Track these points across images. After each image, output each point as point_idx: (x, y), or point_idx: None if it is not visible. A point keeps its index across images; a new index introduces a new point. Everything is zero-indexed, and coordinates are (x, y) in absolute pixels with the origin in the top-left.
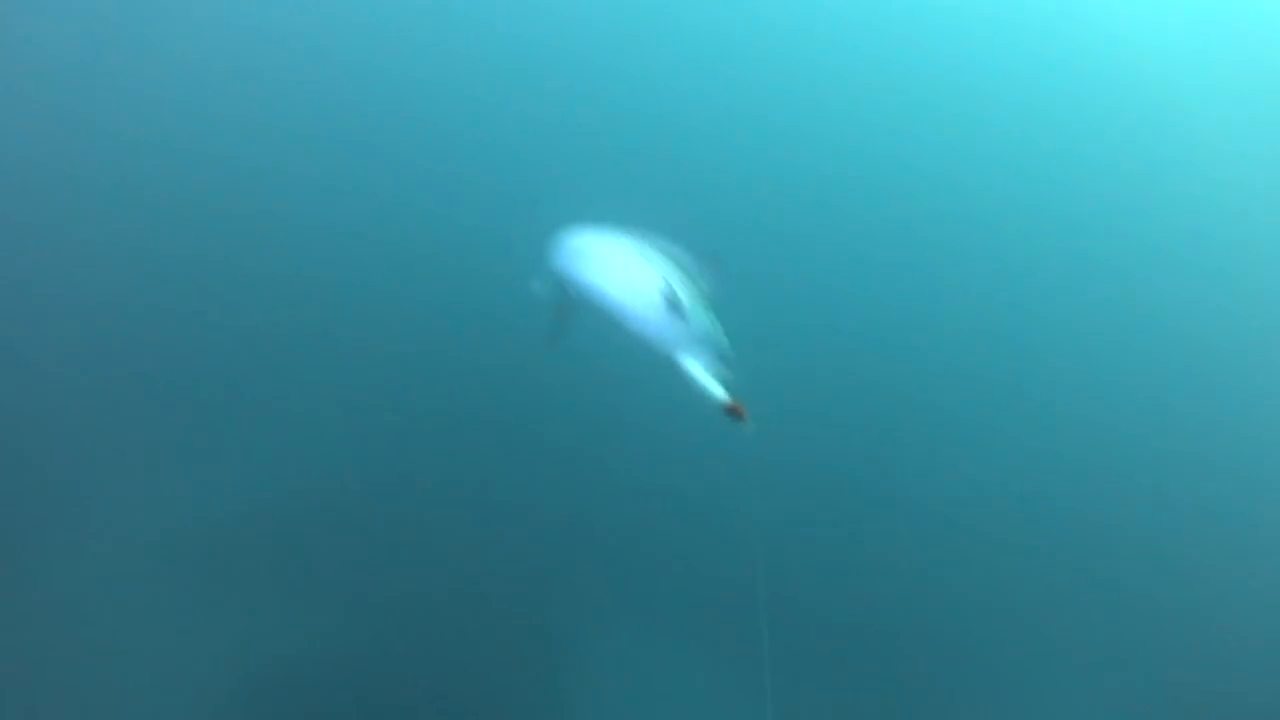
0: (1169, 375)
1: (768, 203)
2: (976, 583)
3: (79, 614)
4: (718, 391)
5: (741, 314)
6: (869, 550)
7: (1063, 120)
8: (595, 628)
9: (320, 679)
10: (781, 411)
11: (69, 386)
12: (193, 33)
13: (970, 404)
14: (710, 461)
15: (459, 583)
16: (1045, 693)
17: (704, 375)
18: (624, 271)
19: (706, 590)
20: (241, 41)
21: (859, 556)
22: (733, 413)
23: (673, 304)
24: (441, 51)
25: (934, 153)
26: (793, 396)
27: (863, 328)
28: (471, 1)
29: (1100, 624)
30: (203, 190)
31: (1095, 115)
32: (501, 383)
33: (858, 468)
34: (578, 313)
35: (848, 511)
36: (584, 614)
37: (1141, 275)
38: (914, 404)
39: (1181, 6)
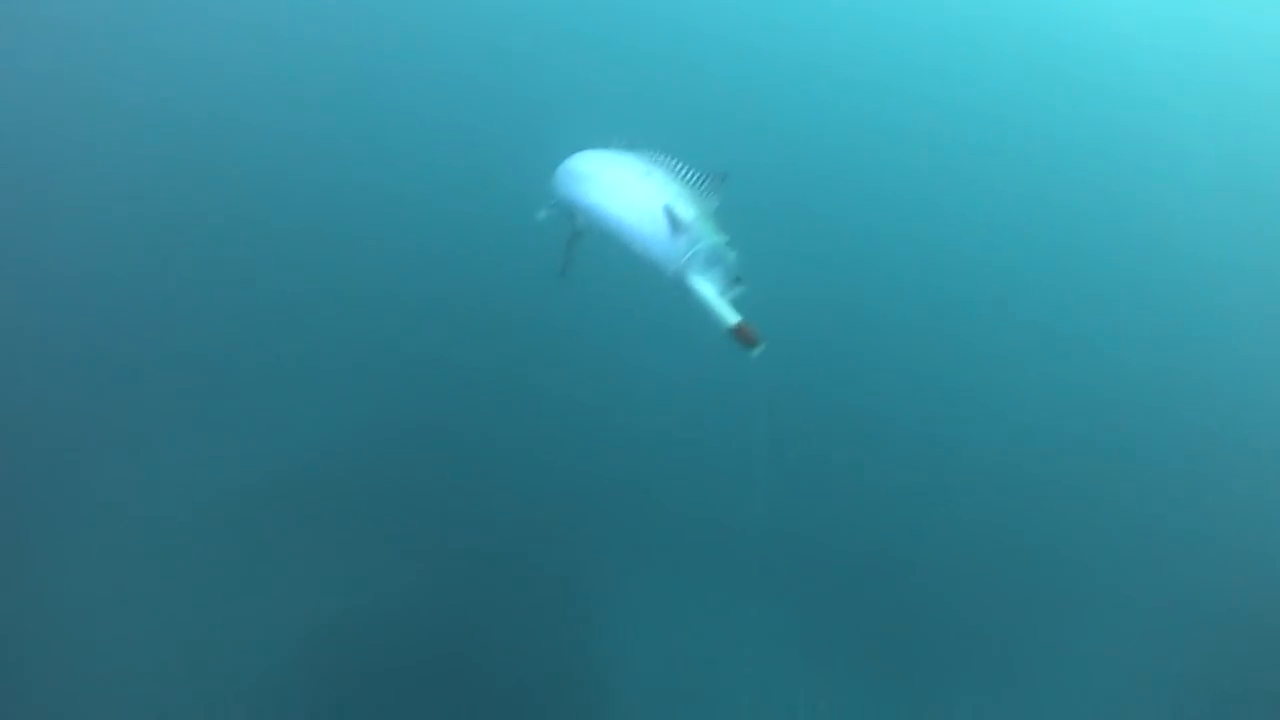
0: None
1: (775, 117)
2: (984, 507)
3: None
4: (727, 313)
5: (753, 234)
6: (877, 476)
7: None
8: (618, 571)
9: (358, 636)
10: (791, 336)
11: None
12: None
13: (985, 330)
14: (720, 393)
15: (478, 537)
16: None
17: (713, 296)
18: (625, 191)
19: (722, 526)
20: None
21: (867, 483)
22: (741, 335)
23: (675, 221)
24: None
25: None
26: (803, 324)
27: (876, 254)
28: None
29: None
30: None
31: (1095, 107)
32: (510, 326)
33: (866, 391)
34: (584, 239)
35: (855, 438)
36: (605, 558)
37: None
38: (925, 332)
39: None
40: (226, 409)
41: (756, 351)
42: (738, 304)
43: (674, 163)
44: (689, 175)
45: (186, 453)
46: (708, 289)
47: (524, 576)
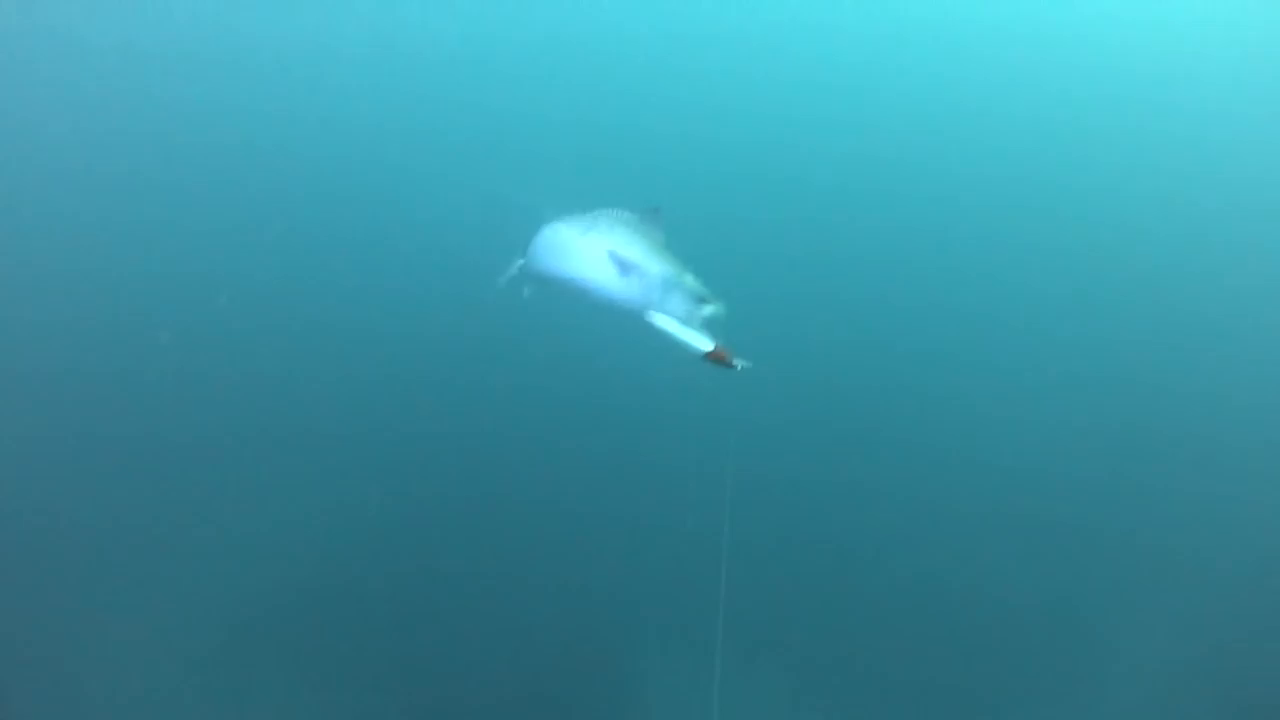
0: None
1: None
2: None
3: None
4: (696, 340)
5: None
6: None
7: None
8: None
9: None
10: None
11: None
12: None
13: (981, 338)
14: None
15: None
16: None
17: (678, 326)
18: (570, 251)
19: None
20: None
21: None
22: (717, 359)
23: (622, 264)
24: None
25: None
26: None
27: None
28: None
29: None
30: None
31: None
32: (504, 389)
33: (844, 411)
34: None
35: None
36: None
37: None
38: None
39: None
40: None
41: (739, 367)
42: (713, 323)
43: (612, 212)
44: (627, 218)
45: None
46: (670, 321)
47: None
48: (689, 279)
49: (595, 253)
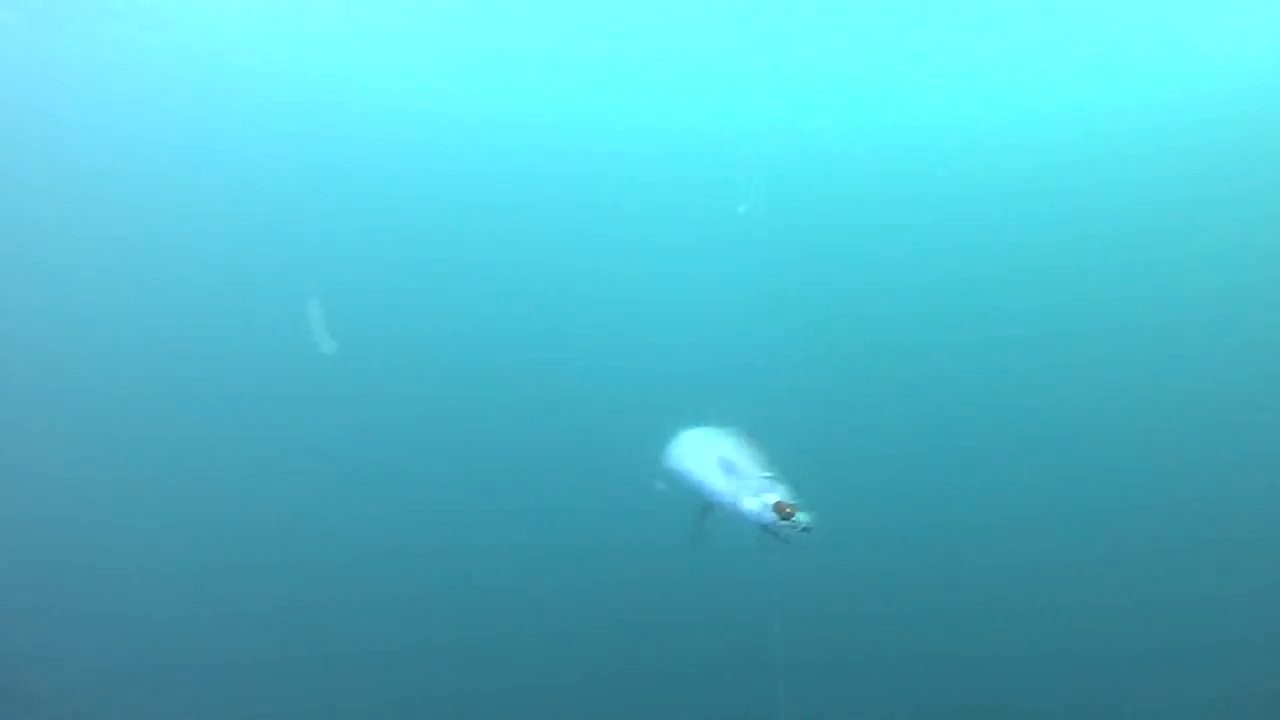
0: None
1: None
2: None
3: None
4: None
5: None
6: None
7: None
8: None
9: None
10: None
11: None
12: None
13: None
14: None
15: None
16: None
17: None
18: (703, 456)
19: None
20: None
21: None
22: (781, 513)
23: (728, 467)
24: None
25: None
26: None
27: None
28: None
29: None
30: None
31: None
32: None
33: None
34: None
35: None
36: None
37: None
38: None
39: None
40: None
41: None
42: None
43: (732, 428)
44: (739, 434)
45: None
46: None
47: None
48: (774, 481)
49: (712, 456)
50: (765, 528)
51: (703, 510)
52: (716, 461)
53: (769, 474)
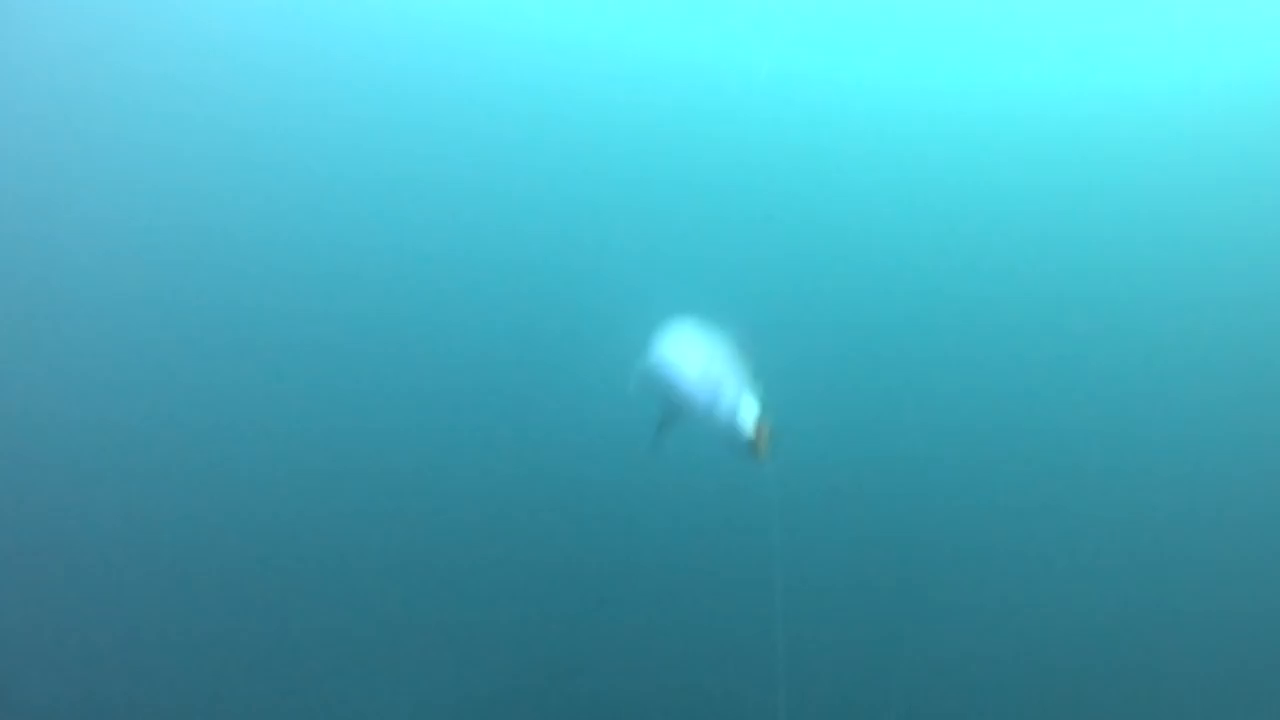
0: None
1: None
2: None
3: None
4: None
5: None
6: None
7: None
8: None
9: None
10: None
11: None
12: None
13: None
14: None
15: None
16: None
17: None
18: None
19: None
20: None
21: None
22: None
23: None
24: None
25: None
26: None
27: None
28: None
29: None
30: None
31: None
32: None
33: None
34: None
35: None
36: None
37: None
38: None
39: None
40: None
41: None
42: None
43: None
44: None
45: None
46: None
47: None
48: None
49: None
50: (733, 444)
51: (667, 416)
52: (696, 364)
53: (752, 386)
